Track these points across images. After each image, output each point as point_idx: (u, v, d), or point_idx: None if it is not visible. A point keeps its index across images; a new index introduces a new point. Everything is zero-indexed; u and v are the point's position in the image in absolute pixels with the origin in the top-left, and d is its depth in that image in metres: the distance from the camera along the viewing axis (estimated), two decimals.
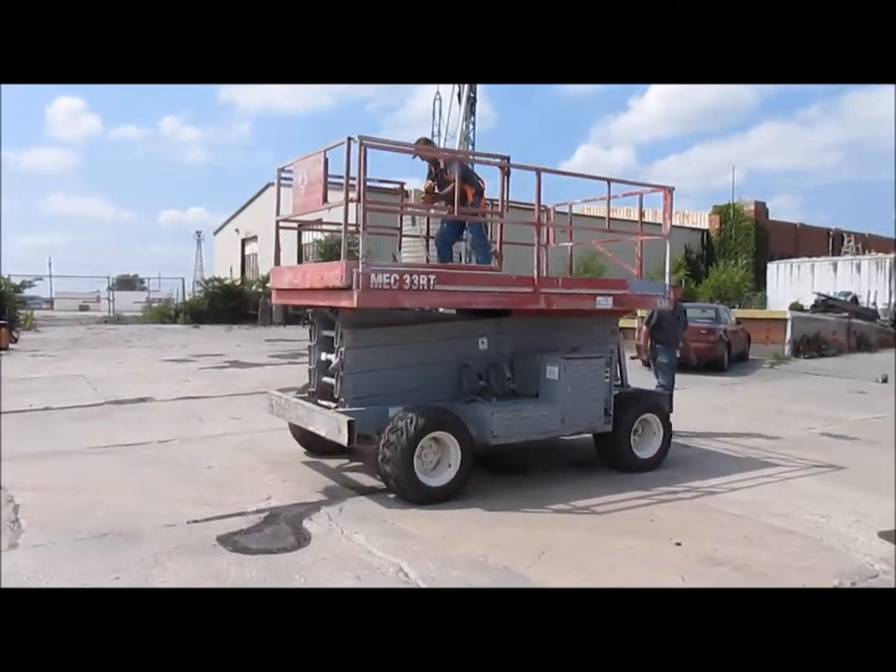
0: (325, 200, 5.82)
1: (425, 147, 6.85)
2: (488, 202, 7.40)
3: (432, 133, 28.37)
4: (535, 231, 6.21)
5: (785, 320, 19.36)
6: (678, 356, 8.99)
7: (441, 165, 7.18)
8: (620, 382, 7.33)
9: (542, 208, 7.42)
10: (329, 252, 30.90)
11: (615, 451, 6.62)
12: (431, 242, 7.60)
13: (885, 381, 13.53)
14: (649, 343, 9.12)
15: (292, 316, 29.99)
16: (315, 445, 6.91)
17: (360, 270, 5.33)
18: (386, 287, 5.46)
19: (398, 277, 5.51)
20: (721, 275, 30.50)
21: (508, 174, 6.09)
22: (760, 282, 33.32)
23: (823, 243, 41.54)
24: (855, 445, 8.12)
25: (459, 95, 27.27)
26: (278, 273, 6.71)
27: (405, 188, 7.57)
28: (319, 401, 6.38)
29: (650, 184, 6.99)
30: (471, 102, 27.44)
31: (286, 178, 6.58)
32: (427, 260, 7.51)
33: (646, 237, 7.17)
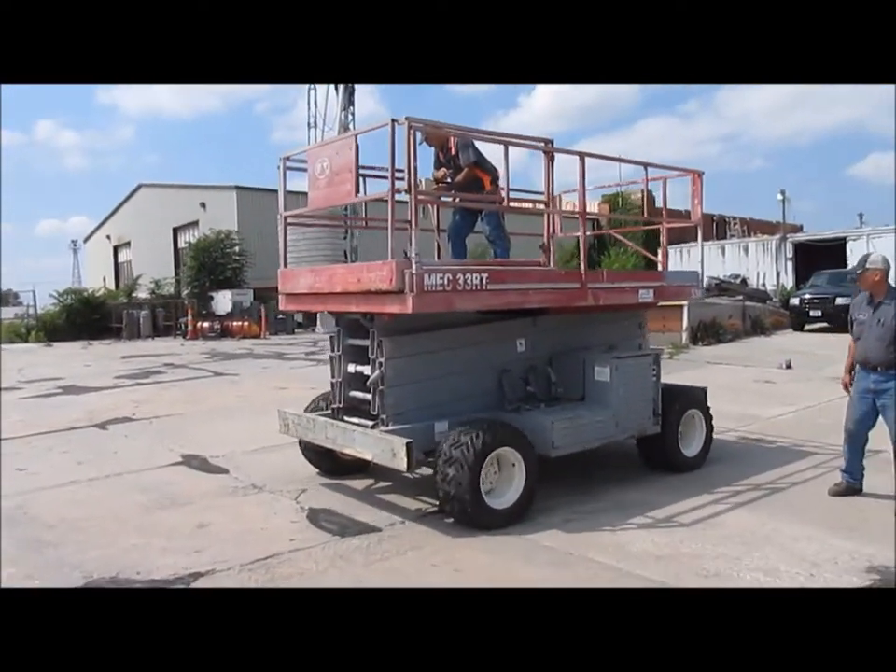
0: (357, 191, 5.14)
1: (455, 128, 6.09)
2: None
3: (308, 123, 27.65)
4: (580, 221, 5.70)
5: (682, 306, 18.14)
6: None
7: (453, 151, 6.56)
8: None
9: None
10: (200, 257, 29.44)
11: (664, 452, 6.23)
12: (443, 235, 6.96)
13: (789, 367, 13.27)
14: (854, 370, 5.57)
15: (163, 328, 28.36)
16: (330, 465, 6.31)
17: (414, 270, 4.68)
18: (440, 289, 4.83)
19: (451, 277, 4.89)
20: (614, 263, 30.40)
21: (552, 159, 5.53)
22: (651, 268, 33.43)
23: (709, 228, 42.42)
24: (779, 453, 7.00)
25: (336, 85, 26.42)
26: (290, 277, 5.93)
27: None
28: (346, 419, 5.71)
29: (678, 167, 6.59)
30: (349, 91, 26.75)
31: (294, 168, 5.84)
32: (439, 255, 6.88)
33: (671, 224, 6.79)
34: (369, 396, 5.48)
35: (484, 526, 4.91)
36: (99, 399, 11.49)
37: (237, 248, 30.12)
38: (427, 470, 5.50)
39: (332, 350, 5.87)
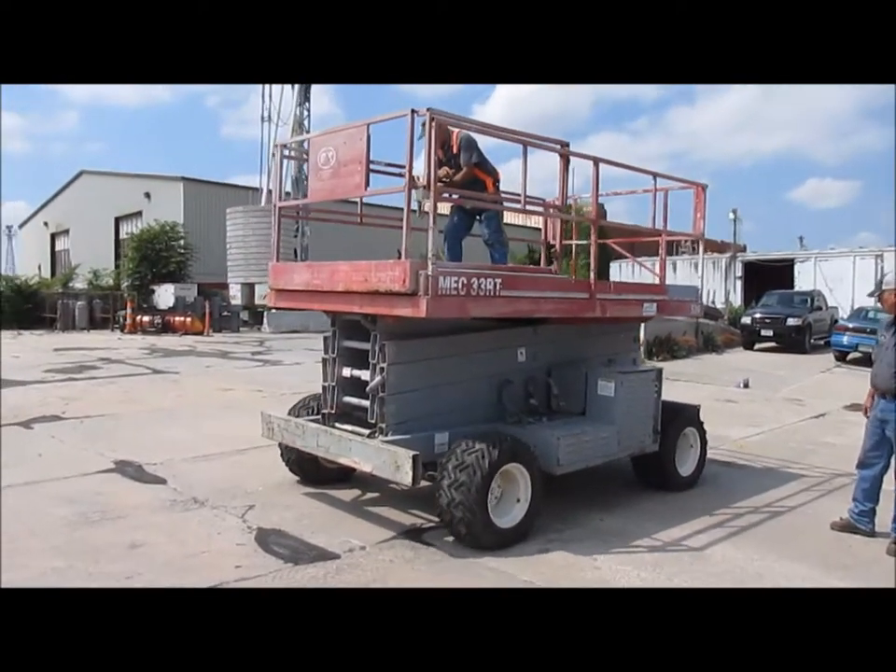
0: (366, 184, 4.80)
1: (473, 123, 5.75)
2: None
3: (262, 117, 27.01)
4: (591, 228, 5.48)
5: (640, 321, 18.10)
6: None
7: (455, 150, 6.26)
8: None
9: (540, 201, 6.77)
10: (143, 248, 28.34)
11: (661, 471, 6.07)
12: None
13: (746, 386, 13.33)
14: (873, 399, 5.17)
15: (100, 320, 27.20)
16: (313, 473, 5.94)
17: (430, 272, 4.37)
18: (454, 294, 4.53)
19: (465, 282, 4.60)
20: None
21: (568, 161, 5.30)
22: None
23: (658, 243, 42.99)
24: (758, 477, 6.80)
25: None
26: (283, 272, 5.53)
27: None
28: (338, 425, 5.36)
29: (682, 179, 6.45)
30: (305, 87, 26.16)
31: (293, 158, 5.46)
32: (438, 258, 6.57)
33: (671, 238, 6.65)
34: (365, 402, 5.14)
35: (488, 546, 4.63)
36: (25, 394, 10.55)
37: (182, 241, 29.10)
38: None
39: (326, 352, 5.50)
